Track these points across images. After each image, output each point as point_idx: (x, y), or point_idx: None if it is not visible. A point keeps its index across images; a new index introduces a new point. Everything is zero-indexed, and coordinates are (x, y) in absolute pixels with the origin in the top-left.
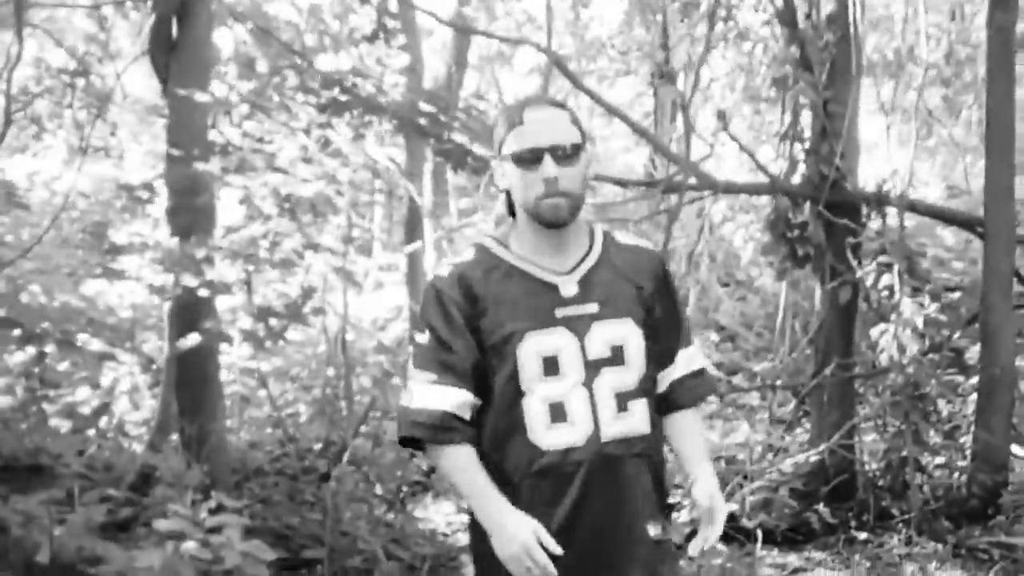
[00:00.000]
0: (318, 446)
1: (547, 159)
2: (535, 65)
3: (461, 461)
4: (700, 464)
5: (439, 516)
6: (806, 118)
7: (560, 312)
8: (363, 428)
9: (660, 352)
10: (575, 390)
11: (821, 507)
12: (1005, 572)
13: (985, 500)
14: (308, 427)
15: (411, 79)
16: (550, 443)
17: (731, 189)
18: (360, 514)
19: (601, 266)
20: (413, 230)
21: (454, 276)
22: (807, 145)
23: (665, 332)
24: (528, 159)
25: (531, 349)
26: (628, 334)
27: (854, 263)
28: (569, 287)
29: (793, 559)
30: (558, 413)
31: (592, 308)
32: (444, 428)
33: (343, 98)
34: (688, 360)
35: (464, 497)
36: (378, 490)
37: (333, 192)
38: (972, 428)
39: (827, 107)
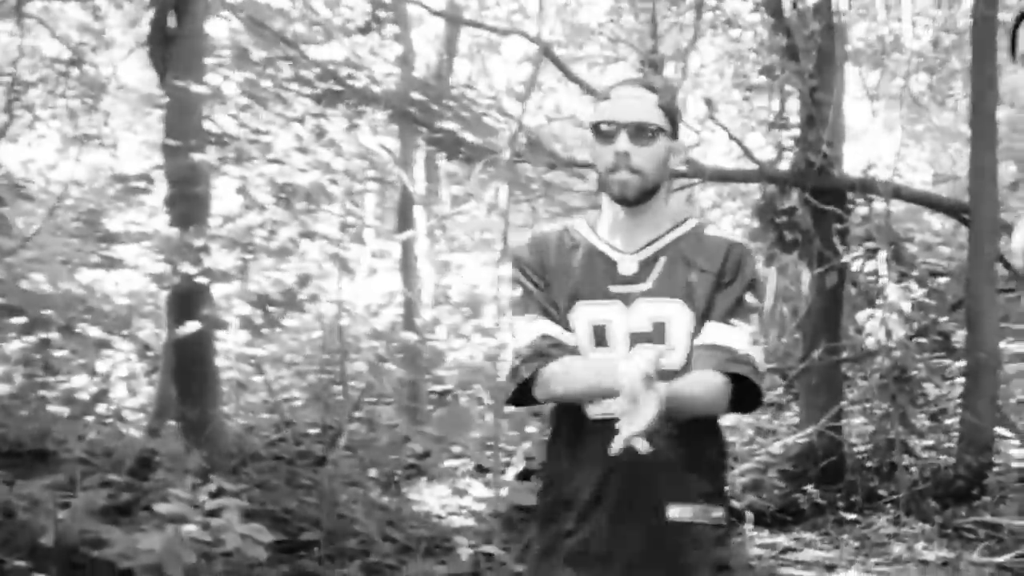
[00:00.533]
0: (314, 431)
1: (623, 134)
2: (526, 53)
3: (559, 365)
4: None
5: (433, 499)
6: (794, 105)
7: (614, 288)
8: (358, 413)
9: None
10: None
11: (810, 488)
12: (991, 551)
13: (971, 481)
14: (304, 412)
15: (403, 69)
16: (596, 412)
17: (719, 176)
18: (356, 497)
19: (670, 251)
20: (406, 217)
21: (530, 241)
22: (794, 132)
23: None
24: (604, 132)
25: (583, 319)
26: (674, 314)
27: (841, 248)
28: (629, 265)
29: (783, 539)
30: None
31: (646, 287)
32: (539, 354)
33: (337, 89)
34: (712, 332)
35: (574, 387)
36: (373, 473)
37: (328, 181)
38: (959, 410)
39: (814, 95)
